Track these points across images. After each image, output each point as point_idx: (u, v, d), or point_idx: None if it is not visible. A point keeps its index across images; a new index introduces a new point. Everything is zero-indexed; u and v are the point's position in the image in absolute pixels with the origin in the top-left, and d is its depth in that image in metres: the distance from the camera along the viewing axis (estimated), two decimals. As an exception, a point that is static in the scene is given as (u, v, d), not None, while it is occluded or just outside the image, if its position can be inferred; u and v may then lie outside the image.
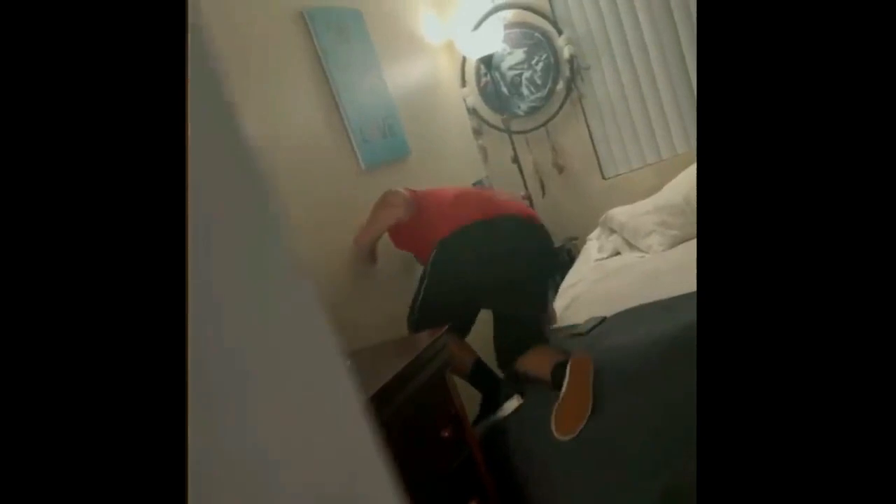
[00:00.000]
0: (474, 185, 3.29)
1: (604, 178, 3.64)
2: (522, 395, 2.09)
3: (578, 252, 3.47)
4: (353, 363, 1.48)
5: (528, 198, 3.59)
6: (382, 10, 3.03)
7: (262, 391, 0.35)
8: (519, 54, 3.61)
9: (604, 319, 2.35)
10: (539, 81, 3.61)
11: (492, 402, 2.14)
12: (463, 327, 2.28)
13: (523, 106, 3.66)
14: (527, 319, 2.24)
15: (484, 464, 1.90)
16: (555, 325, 2.54)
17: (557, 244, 3.00)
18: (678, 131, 3.44)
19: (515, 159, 3.60)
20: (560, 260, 3.27)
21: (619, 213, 3.20)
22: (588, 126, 3.61)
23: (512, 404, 2.08)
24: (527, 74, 3.62)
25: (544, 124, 3.62)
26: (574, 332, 2.39)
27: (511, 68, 3.63)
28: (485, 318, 2.31)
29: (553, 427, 1.85)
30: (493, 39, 3.40)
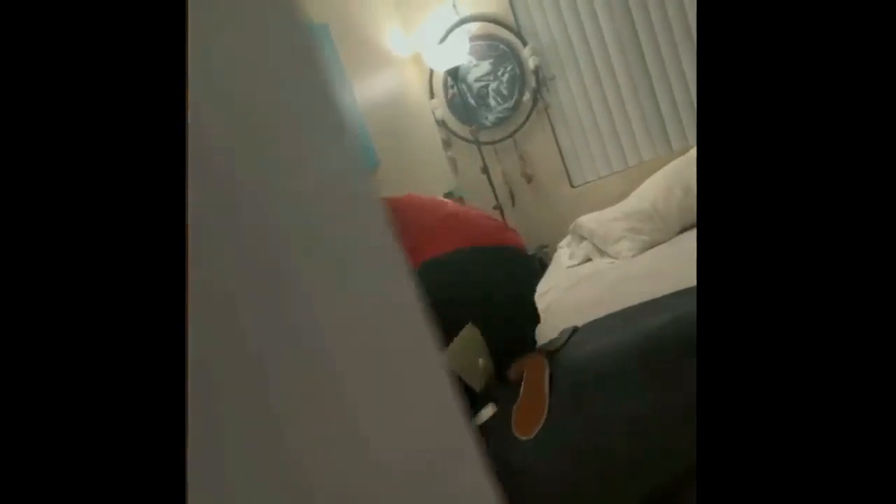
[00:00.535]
0: (445, 196, 3.30)
1: (572, 186, 3.69)
2: (496, 402, 2.09)
3: (550, 260, 3.50)
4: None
5: (499, 208, 3.61)
6: (349, 24, 3.04)
7: (356, 371, 0.37)
8: (485, 66, 3.64)
9: (576, 329, 2.37)
10: (505, 92, 3.64)
11: (469, 410, 2.14)
12: (444, 340, 2.27)
13: (491, 117, 3.69)
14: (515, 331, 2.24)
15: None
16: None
17: (529, 252, 3.01)
18: (643, 138, 3.50)
19: (485, 170, 3.63)
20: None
21: (589, 221, 3.23)
22: (555, 135, 3.65)
23: (487, 412, 2.09)
24: (493, 86, 3.66)
25: (512, 135, 3.65)
26: (550, 349, 2.41)
27: (478, 80, 3.66)
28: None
29: (513, 428, 1.87)
30: (459, 52, 3.43)
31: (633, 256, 2.99)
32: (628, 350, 1.96)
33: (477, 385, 2.11)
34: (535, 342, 2.27)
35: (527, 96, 3.59)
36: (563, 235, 3.48)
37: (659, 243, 2.98)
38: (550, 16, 3.50)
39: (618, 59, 3.43)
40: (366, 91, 2.98)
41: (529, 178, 3.69)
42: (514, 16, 3.54)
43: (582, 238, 3.28)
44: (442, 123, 3.69)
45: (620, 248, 3.05)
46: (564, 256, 3.32)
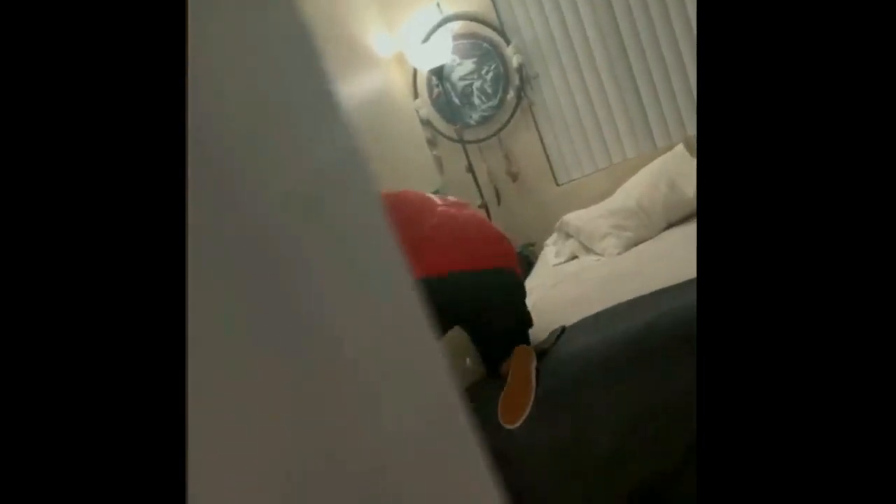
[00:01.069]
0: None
1: (557, 184, 3.70)
2: (483, 399, 2.10)
3: (536, 258, 3.51)
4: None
5: (485, 206, 3.62)
6: (331, 24, 3.03)
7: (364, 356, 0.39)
8: (469, 65, 3.64)
9: (563, 330, 2.37)
10: (490, 91, 3.65)
11: None
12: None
13: (475, 116, 3.69)
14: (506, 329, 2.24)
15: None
16: None
17: (515, 250, 3.02)
18: (628, 135, 3.52)
19: (470, 169, 3.63)
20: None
21: (574, 218, 3.25)
22: (539, 133, 3.66)
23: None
24: (477, 84, 3.66)
25: (496, 133, 3.66)
26: (541, 350, 2.41)
27: (461, 79, 3.66)
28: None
29: (499, 416, 1.88)
30: (442, 51, 3.43)
31: (619, 253, 3.01)
32: (615, 346, 1.97)
33: (462, 384, 2.10)
34: (528, 343, 2.27)
35: (511, 94, 3.60)
36: (549, 233, 3.49)
37: (644, 240, 3.00)
38: (533, 13, 3.51)
39: (601, 56, 3.45)
40: (349, 91, 2.97)
41: (515, 177, 3.70)
42: (497, 14, 3.55)
43: (568, 235, 3.29)
44: (427, 123, 3.69)
45: (606, 245, 3.07)
46: (550, 254, 3.33)
